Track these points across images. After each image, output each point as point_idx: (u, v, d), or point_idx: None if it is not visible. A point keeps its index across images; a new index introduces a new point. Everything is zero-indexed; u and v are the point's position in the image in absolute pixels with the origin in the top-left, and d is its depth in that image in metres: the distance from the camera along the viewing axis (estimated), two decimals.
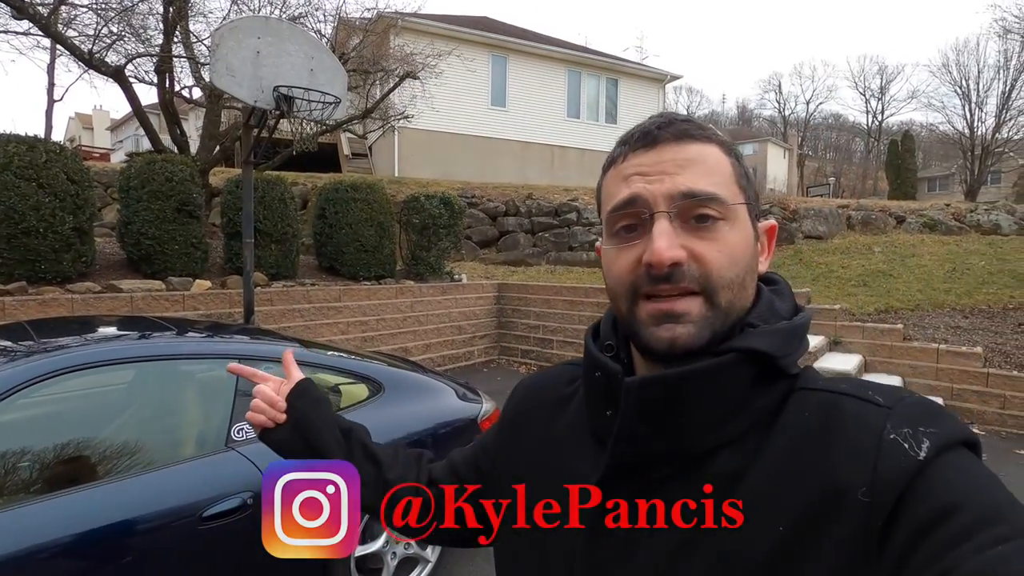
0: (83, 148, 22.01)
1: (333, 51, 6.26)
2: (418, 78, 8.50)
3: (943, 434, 0.42)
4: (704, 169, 0.50)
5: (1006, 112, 25.14)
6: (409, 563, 2.54)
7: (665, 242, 0.48)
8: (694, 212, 0.49)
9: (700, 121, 0.54)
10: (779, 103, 46.42)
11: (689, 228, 0.49)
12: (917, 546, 0.38)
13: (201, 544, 1.79)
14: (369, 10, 8.58)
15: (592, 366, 0.56)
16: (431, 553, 2.57)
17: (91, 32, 6.41)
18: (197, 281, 5.14)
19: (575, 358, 0.66)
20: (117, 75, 6.12)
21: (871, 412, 0.44)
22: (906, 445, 0.41)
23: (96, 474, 1.76)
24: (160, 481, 1.80)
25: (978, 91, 26.30)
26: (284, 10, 7.18)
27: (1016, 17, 18.32)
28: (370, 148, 16.20)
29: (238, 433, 2.04)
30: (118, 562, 1.64)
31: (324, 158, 15.15)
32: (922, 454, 0.40)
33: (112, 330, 2.29)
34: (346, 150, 16.23)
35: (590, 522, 0.53)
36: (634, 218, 0.51)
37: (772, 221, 0.58)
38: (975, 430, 4.74)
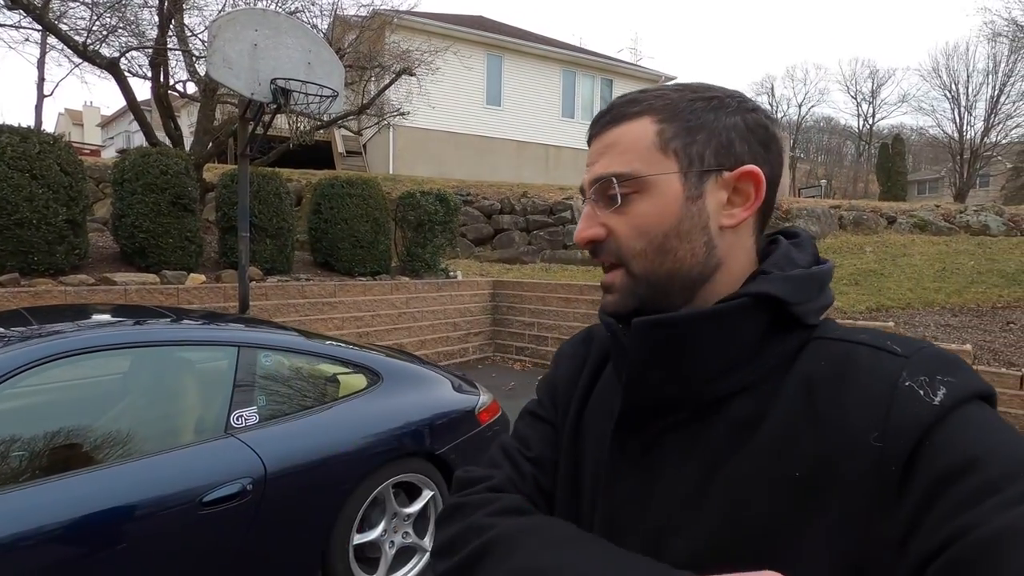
0: (73, 144, 21.77)
1: (329, 46, 6.25)
2: (414, 75, 8.49)
3: (961, 384, 0.41)
4: (618, 150, 0.53)
5: (995, 116, 25.48)
6: (407, 552, 2.55)
7: (582, 224, 0.56)
8: (605, 193, 0.54)
9: (655, 90, 0.55)
10: (772, 105, 46.70)
11: (608, 206, 0.54)
12: (939, 496, 0.37)
13: (201, 528, 1.80)
14: (365, 6, 8.58)
15: (605, 327, 0.60)
16: (429, 542, 2.57)
17: (84, 25, 6.36)
18: (192, 275, 5.11)
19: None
20: (111, 67, 6.08)
21: (887, 360, 0.44)
22: (921, 392, 0.41)
23: (96, 459, 1.76)
24: (160, 466, 1.80)
25: (967, 95, 26.64)
26: (281, 4, 7.16)
27: (1005, 20, 18.54)
28: (364, 146, 16.16)
29: (237, 420, 2.04)
30: (119, 545, 1.64)
31: (318, 156, 15.10)
32: (937, 400, 0.40)
33: (110, 317, 2.28)
34: (340, 148, 16.18)
35: (609, 464, 0.55)
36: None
37: (749, 166, 0.52)
38: None
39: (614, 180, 0.52)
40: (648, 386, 0.51)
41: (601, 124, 0.56)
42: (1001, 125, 25.63)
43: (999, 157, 27.09)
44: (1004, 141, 26.04)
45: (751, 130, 0.53)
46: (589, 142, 0.58)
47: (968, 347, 5.23)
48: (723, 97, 0.54)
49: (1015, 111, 25.22)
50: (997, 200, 23.11)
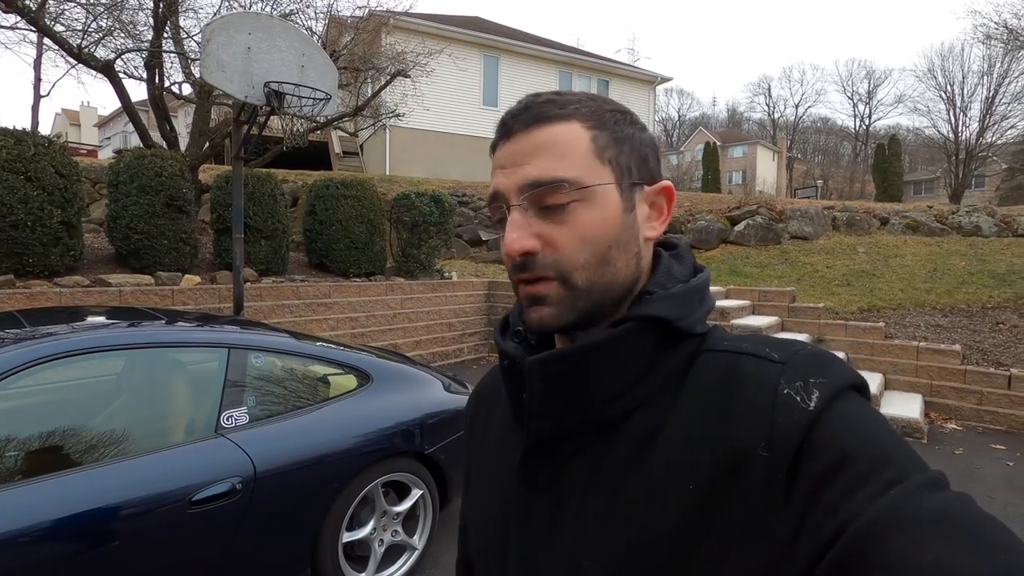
0: (70, 144, 21.77)
1: (324, 48, 6.28)
2: (409, 76, 8.52)
3: (831, 383, 0.43)
4: (553, 153, 0.50)
5: (990, 117, 25.62)
6: (396, 550, 2.58)
7: (515, 234, 0.50)
8: (543, 201, 0.50)
9: (568, 95, 0.53)
10: (769, 106, 46.85)
11: (544, 214, 0.50)
12: (817, 497, 0.39)
13: (190, 527, 1.83)
14: (360, 8, 8.60)
15: (501, 356, 0.57)
16: (418, 541, 2.61)
17: (79, 27, 6.38)
18: (186, 276, 5.14)
19: None
20: (106, 69, 6.10)
21: (767, 369, 0.45)
22: (798, 398, 0.42)
23: (87, 459, 1.79)
24: (149, 466, 1.83)
25: (963, 96, 26.79)
26: (275, 7, 7.19)
27: (996, 24, 18.64)
28: (361, 147, 16.19)
29: (227, 420, 2.08)
30: (108, 543, 1.67)
31: (315, 156, 15.12)
32: (812, 404, 0.42)
33: (103, 319, 2.31)
34: (337, 148, 16.20)
35: (519, 497, 0.55)
36: (499, 212, 0.53)
37: (666, 182, 0.55)
38: (953, 425, 4.87)
39: (565, 185, 0.49)
40: (549, 417, 0.51)
41: (522, 121, 0.51)
42: (996, 126, 25.79)
43: (994, 158, 27.23)
44: (999, 142, 26.19)
45: (653, 148, 0.55)
46: (502, 139, 0.53)
47: (957, 347, 5.28)
48: (629, 113, 0.55)
49: (1010, 112, 25.39)
50: (992, 200, 23.24)
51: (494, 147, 0.54)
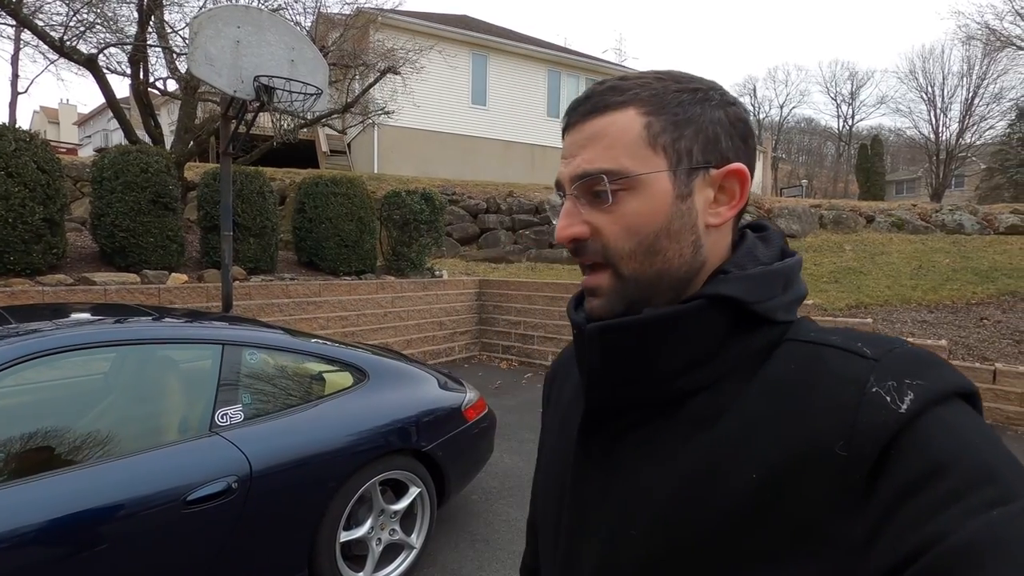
0: (49, 143, 21.31)
1: (313, 43, 6.20)
2: (399, 73, 8.46)
3: (930, 386, 0.39)
4: (603, 144, 0.50)
5: (969, 118, 26.14)
6: (394, 549, 2.55)
7: (563, 221, 0.52)
8: (591, 190, 0.50)
9: (634, 78, 0.52)
10: (754, 106, 47.32)
11: (593, 203, 0.51)
12: (902, 505, 0.36)
13: (185, 527, 1.78)
14: (348, 4, 8.52)
15: (572, 326, 0.57)
16: (416, 539, 2.58)
17: (61, 21, 6.24)
18: (173, 275, 5.04)
19: None
20: (89, 64, 5.97)
21: (856, 364, 0.43)
22: (888, 398, 0.39)
23: (78, 459, 1.73)
24: (143, 465, 1.78)
25: (943, 97, 27.30)
26: (264, 1, 7.09)
27: (978, 24, 19.01)
28: (349, 145, 16.05)
29: (222, 418, 2.03)
30: (102, 544, 1.62)
31: (302, 155, 14.96)
32: (903, 407, 0.39)
33: (91, 315, 2.25)
34: (324, 147, 16.05)
35: (574, 467, 0.56)
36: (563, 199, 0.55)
37: (736, 164, 0.51)
38: None
39: (604, 178, 0.49)
40: (607, 388, 0.52)
41: (580, 113, 0.52)
42: (975, 127, 26.34)
43: (973, 158, 27.78)
44: (978, 143, 26.73)
45: (733, 124, 0.52)
46: (565, 131, 0.54)
47: (943, 342, 5.36)
48: (707, 89, 0.52)
49: (988, 113, 25.91)
50: (972, 200, 23.68)
51: (562, 137, 0.56)
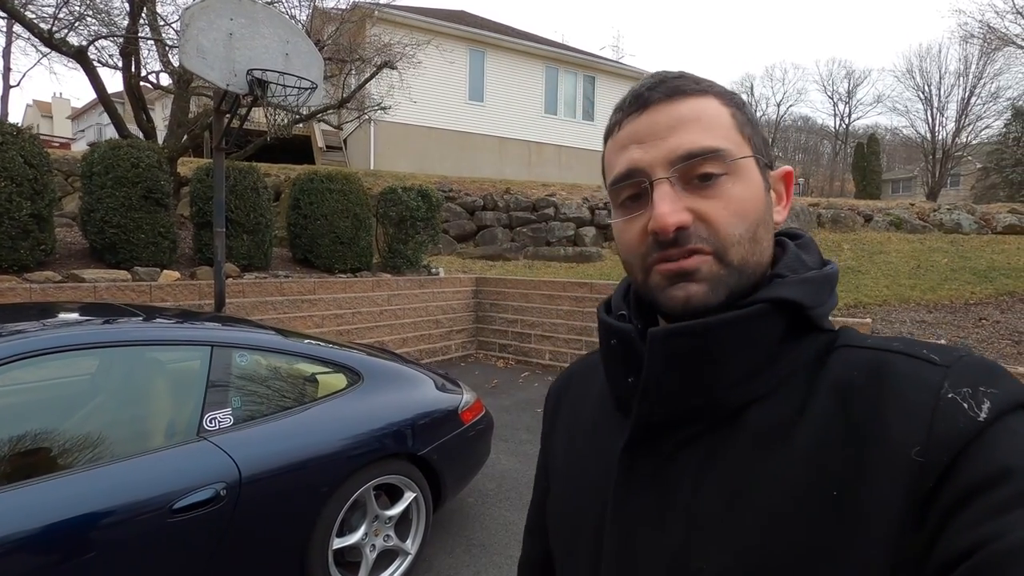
0: (43, 137, 21.14)
1: (308, 37, 6.11)
2: (395, 68, 8.36)
3: (1004, 395, 0.39)
4: (701, 125, 0.48)
5: (965, 117, 26.19)
6: (389, 555, 2.49)
7: (668, 207, 0.47)
8: (696, 172, 0.48)
9: (694, 75, 0.52)
10: (752, 104, 47.34)
11: (693, 188, 0.48)
12: (964, 507, 0.36)
13: (171, 537, 1.72)
14: None
15: (607, 335, 0.54)
16: (411, 545, 2.52)
17: (49, 12, 6.12)
18: (165, 272, 4.96)
19: (594, 349, 0.64)
20: (79, 56, 5.85)
21: (927, 370, 0.41)
22: (965, 405, 0.39)
23: (61, 464, 1.67)
24: (126, 472, 1.72)
25: (940, 96, 27.35)
26: None
27: (979, 22, 19.01)
28: (345, 141, 15.94)
29: (210, 422, 1.96)
30: (83, 555, 1.56)
31: (297, 150, 14.85)
32: (982, 415, 0.38)
33: (76, 315, 2.17)
34: (320, 143, 15.93)
35: (619, 486, 0.51)
36: (636, 188, 0.50)
37: (787, 167, 0.55)
38: None
39: (722, 155, 0.47)
40: (664, 400, 0.48)
41: (661, 92, 0.49)
42: (971, 126, 26.39)
43: (969, 157, 27.84)
44: (974, 142, 26.80)
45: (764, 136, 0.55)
46: (636, 112, 0.50)
47: (942, 342, 5.34)
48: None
49: (985, 112, 25.96)
50: (967, 199, 23.75)
51: (619, 123, 0.52)
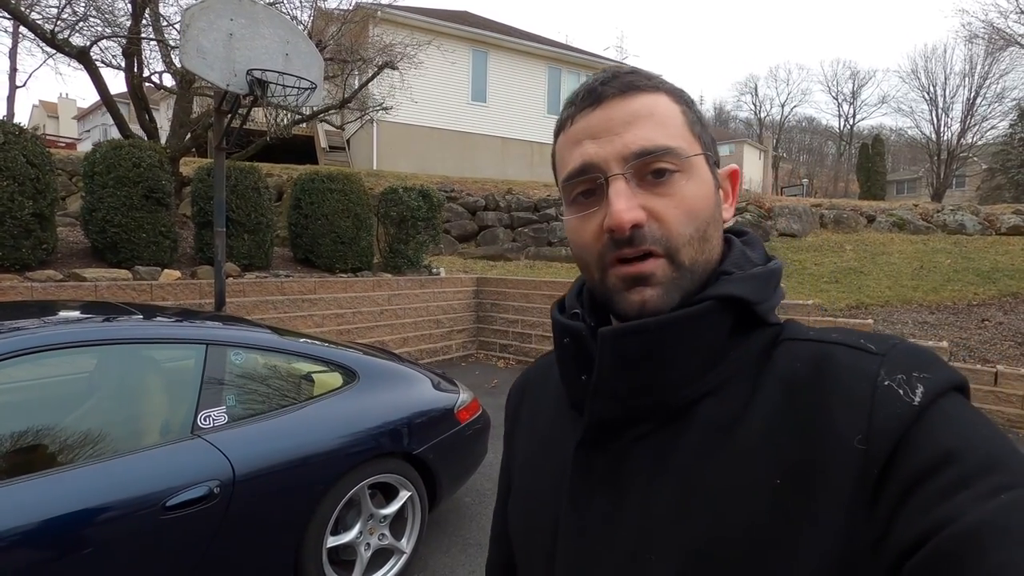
0: (48, 137, 21.27)
1: (310, 38, 6.12)
2: (396, 68, 8.38)
3: (936, 379, 0.41)
4: (654, 121, 0.49)
5: (970, 118, 26.05)
6: (384, 554, 2.49)
7: (624, 204, 0.47)
8: (649, 168, 0.48)
9: (646, 71, 0.52)
10: (755, 105, 47.21)
11: (646, 185, 0.48)
12: (911, 495, 0.37)
13: (164, 534, 1.72)
14: None
15: (561, 334, 0.54)
16: (406, 544, 2.52)
17: (54, 12, 6.16)
18: (166, 271, 4.98)
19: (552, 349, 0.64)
20: (82, 57, 5.89)
21: (865, 360, 0.43)
22: (901, 391, 0.40)
23: (53, 462, 1.67)
24: (120, 469, 1.73)
25: (945, 97, 27.20)
26: None
27: (982, 23, 18.90)
28: (348, 141, 15.98)
29: (205, 420, 1.97)
30: (75, 552, 1.57)
31: (300, 150, 14.89)
32: (916, 399, 0.39)
33: (72, 313, 2.18)
34: (323, 143, 15.98)
35: (573, 485, 0.51)
36: (590, 183, 0.50)
37: (733, 166, 0.56)
38: None
39: (674, 152, 0.47)
40: (616, 398, 0.49)
41: (615, 88, 0.49)
42: (977, 127, 26.24)
43: (974, 158, 27.69)
44: (980, 143, 26.63)
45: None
46: (591, 107, 0.50)
47: (944, 344, 5.30)
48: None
49: (990, 113, 25.82)
50: (972, 200, 23.61)
51: (571, 117, 0.52)
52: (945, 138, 26.76)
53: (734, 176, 0.56)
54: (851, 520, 0.38)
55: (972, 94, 25.82)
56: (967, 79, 26.10)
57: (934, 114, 27.43)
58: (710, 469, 0.44)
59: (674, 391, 0.47)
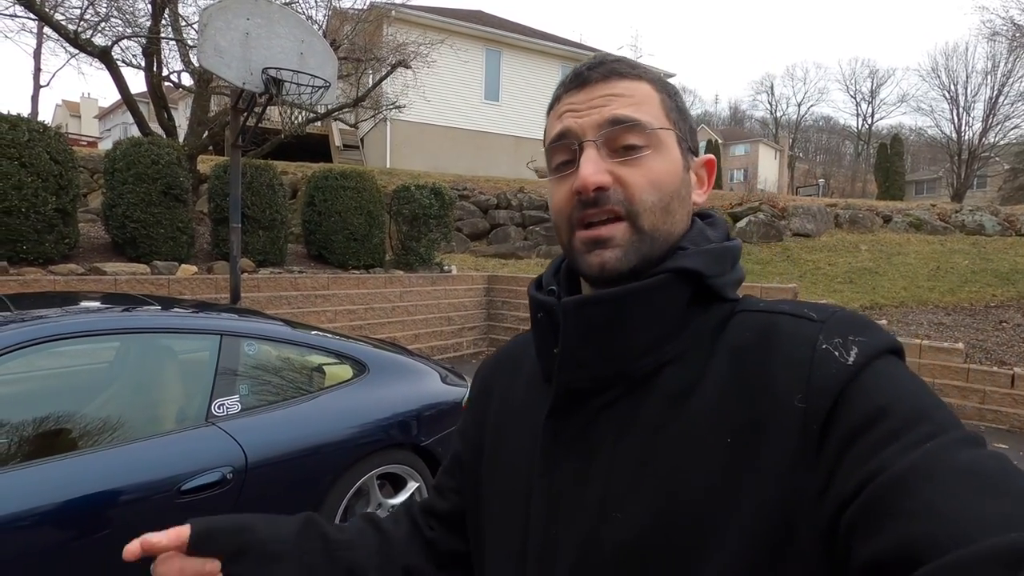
0: (70, 136, 21.71)
1: (325, 38, 6.20)
2: (410, 67, 8.44)
3: (871, 342, 0.44)
4: (632, 100, 0.53)
5: (993, 117, 25.50)
6: None
7: (591, 168, 0.51)
8: (621, 142, 0.52)
9: (632, 60, 0.57)
10: (771, 104, 46.73)
11: (616, 156, 0.52)
12: (848, 448, 0.39)
13: (178, 517, 1.77)
14: None
15: (536, 309, 0.58)
16: None
17: (77, 13, 6.31)
18: (183, 266, 5.08)
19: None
20: (103, 56, 6.03)
21: (806, 327, 0.46)
22: (836, 353, 0.43)
23: (72, 446, 1.74)
24: (137, 454, 1.79)
25: (966, 96, 26.67)
26: None
27: (1003, 20, 18.50)
28: (362, 140, 16.11)
29: (219, 408, 2.03)
30: (93, 533, 1.63)
31: (315, 148, 15.04)
32: (851, 359, 0.43)
33: (92, 303, 2.26)
34: (338, 141, 16.13)
35: (544, 450, 0.54)
36: (567, 152, 0.54)
37: (710, 156, 0.60)
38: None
39: (642, 124, 0.52)
40: (581, 366, 0.52)
41: (600, 73, 0.54)
42: (999, 126, 25.67)
43: (996, 158, 27.13)
44: (1002, 142, 26.08)
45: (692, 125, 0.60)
46: (577, 88, 0.55)
47: (960, 346, 5.23)
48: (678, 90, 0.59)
49: (1013, 112, 25.26)
50: (994, 201, 23.15)
51: (559, 97, 0.57)
52: (966, 137, 26.24)
53: (710, 165, 0.60)
54: (794, 472, 0.41)
55: (995, 92, 25.29)
56: (989, 77, 25.58)
57: (955, 113, 26.94)
58: (669, 433, 0.48)
59: (635, 360, 0.51)
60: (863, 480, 0.37)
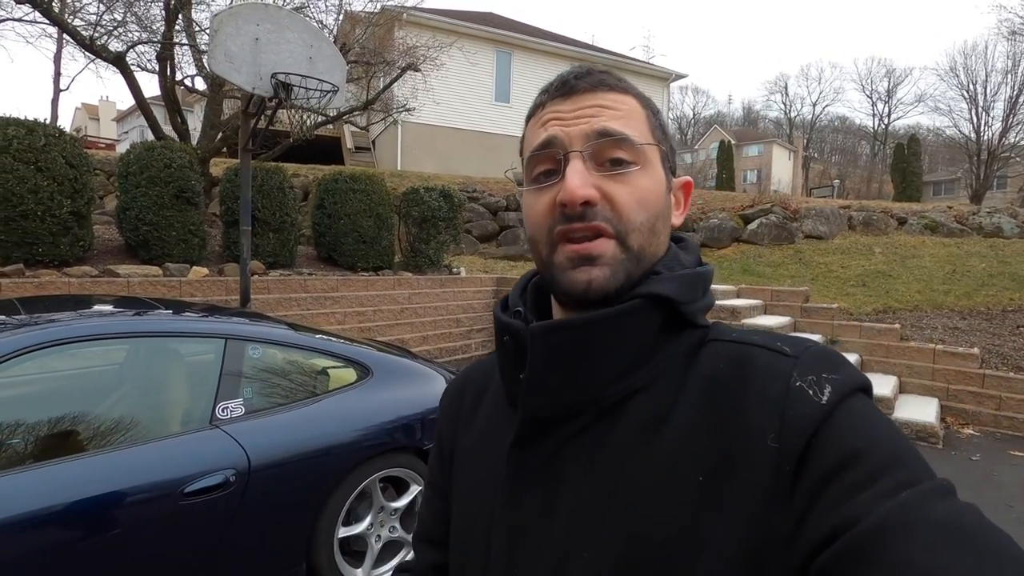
0: (89, 138, 22.12)
1: (335, 42, 6.27)
2: (420, 70, 8.49)
3: (843, 380, 0.43)
4: (620, 114, 0.52)
5: (1013, 117, 24.99)
6: (394, 546, 2.55)
7: (578, 180, 0.49)
8: (608, 155, 0.50)
9: (618, 74, 0.56)
10: (785, 105, 46.28)
11: (603, 171, 0.50)
12: (822, 491, 0.39)
13: (182, 518, 1.81)
14: (372, 1, 8.58)
15: (501, 331, 0.55)
16: None
17: (93, 19, 6.42)
18: (194, 268, 5.15)
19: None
20: (118, 61, 6.13)
21: (780, 361, 0.45)
22: (810, 392, 0.42)
23: (77, 448, 1.77)
24: (141, 456, 1.81)
25: (985, 95, 26.18)
26: (286, 1, 7.18)
27: (1022, 18, 18.13)
28: (373, 142, 16.22)
29: (223, 411, 2.05)
30: (97, 533, 1.65)
31: (327, 151, 15.17)
32: (824, 398, 0.42)
33: (100, 307, 2.30)
34: (349, 143, 16.25)
35: (509, 481, 0.52)
36: (551, 161, 0.52)
37: (687, 178, 0.60)
38: (970, 431, 4.73)
39: (632, 141, 0.50)
40: (548, 394, 0.50)
41: (588, 82, 0.53)
42: (1020, 126, 25.15)
43: (1017, 159, 26.60)
44: (1022, 142, 25.57)
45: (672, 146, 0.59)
46: (562, 97, 0.53)
47: (975, 351, 5.14)
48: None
49: None
50: (1014, 202, 22.70)
51: (543, 104, 0.54)
52: (985, 138, 25.75)
53: (687, 187, 0.59)
54: (767, 513, 0.40)
55: (1015, 92, 24.78)
56: (1009, 76, 25.05)
57: (974, 113, 26.45)
58: (638, 465, 0.46)
59: (603, 387, 0.48)
60: (838, 525, 0.37)
